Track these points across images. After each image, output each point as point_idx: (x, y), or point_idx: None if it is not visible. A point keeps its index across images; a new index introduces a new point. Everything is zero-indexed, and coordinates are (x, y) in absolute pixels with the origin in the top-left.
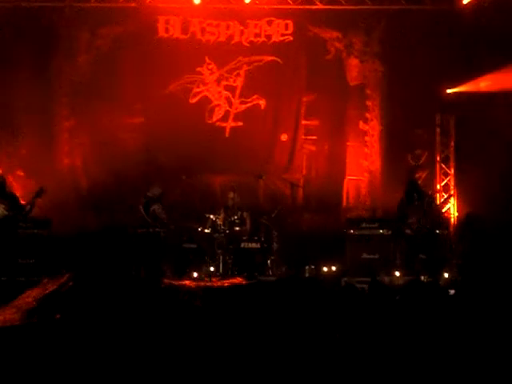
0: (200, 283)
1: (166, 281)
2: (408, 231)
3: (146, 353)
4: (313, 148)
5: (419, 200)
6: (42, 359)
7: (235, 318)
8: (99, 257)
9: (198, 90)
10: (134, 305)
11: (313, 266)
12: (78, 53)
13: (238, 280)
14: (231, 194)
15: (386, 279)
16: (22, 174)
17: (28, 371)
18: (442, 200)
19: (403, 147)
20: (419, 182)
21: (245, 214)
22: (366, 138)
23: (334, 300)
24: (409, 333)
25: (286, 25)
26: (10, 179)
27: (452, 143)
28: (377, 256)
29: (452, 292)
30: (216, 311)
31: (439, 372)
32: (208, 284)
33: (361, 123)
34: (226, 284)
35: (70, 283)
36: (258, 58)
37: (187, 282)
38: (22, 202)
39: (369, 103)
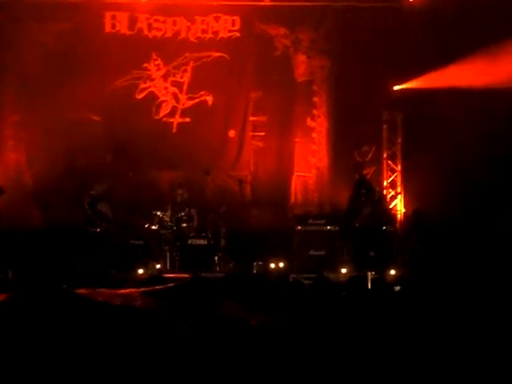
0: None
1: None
2: (356, 227)
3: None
4: (260, 144)
5: (368, 196)
6: None
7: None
8: (42, 254)
9: (144, 85)
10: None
11: (260, 263)
12: (24, 48)
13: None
14: (180, 190)
15: (333, 276)
16: None
17: None
18: (389, 197)
19: (350, 144)
20: (367, 178)
21: (192, 211)
22: (314, 135)
23: (282, 296)
24: (353, 328)
25: (233, 21)
26: None
27: (399, 140)
28: (324, 252)
29: (397, 288)
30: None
31: (381, 368)
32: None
33: (308, 120)
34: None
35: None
36: (205, 54)
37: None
38: None
39: (316, 100)
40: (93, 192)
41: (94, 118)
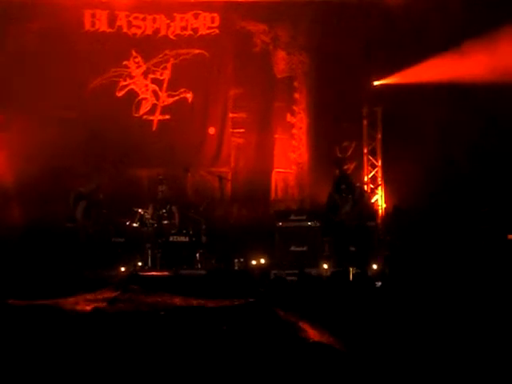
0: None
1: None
2: (337, 223)
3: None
4: (240, 141)
5: (348, 192)
6: None
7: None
8: (24, 253)
9: (124, 83)
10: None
11: (241, 259)
12: (3, 47)
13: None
14: (160, 187)
15: (314, 271)
16: None
17: None
18: (370, 192)
19: (331, 139)
20: (347, 173)
21: (173, 208)
22: (294, 131)
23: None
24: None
25: (213, 18)
26: None
27: (379, 135)
28: (305, 248)
29: (379, 284)
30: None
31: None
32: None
33: (288, 116)
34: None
35: None
36: (184, 51)
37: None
38: None
39: (296, 96)
40: (82, 189)
41: (75, 116)
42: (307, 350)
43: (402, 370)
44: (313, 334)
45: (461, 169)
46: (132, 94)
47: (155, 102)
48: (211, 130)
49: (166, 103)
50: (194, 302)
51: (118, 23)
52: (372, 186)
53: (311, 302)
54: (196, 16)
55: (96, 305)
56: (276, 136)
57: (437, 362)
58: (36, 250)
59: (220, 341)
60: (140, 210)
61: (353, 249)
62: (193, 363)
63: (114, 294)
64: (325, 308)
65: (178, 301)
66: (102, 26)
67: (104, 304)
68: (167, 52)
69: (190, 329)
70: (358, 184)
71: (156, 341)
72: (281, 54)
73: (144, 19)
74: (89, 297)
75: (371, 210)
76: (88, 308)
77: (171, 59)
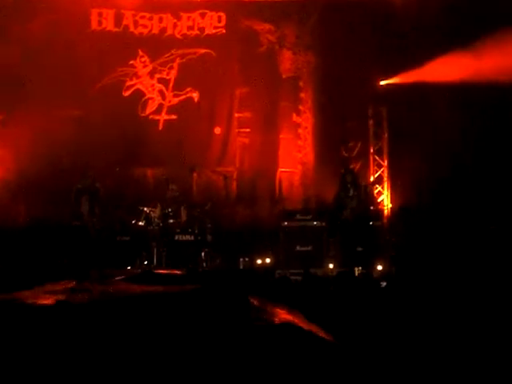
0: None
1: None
2: (342, 223)
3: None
4: (246, 141)
5: (355, 191)
6: None
7: None
8: (27, 250)
9: (131, 83)
10: None
11: (247, 258)
12: (9, 45)
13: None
14: (171, 186)
15: (320, 271)
16: None
17: None
18: (376, 192)
19: (336, 139)
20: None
21: (181, 207)
22: (299, 131)
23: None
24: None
25: (219, 17)
26: None
27: (385, 135)
28: (310, 248)
29: (384, 284)
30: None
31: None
32: None
33: (294, 115)
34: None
35: None
36: (191, 50)
37: None
38: None
39: (302, 95)
40: (79, 186)
41: (81, 115)
42: (273, 331)
43: (406, 368)
44: (280, 316)
45: (467, 168)
46: (138, 94)
47: (161, 101)
48: (217, 130)
49: (172, 103)
50: (154, 289)
51: (125, 22)
52: (378, 186)
53: (315, 302)
54: (203, 15)
55: (57, 297)
56: (281, 136)
57: (442, 362)
58: (42, 247)
59: (183, 325)
60: (146, 209)
61: (360, 249)
62: (159, 352)
63: (70, 285)
64: (329, 308)
65: (136, 288)
66: (109, 25)
67: (64, 296)
68: (173, 51)
69: (153, 316)
70: (363, 184)
71: (124, 329)
72: (287, 54)
73: (150, 18)
74: (46, 288)
75: (377, 209)
76: (49, 301)
77: (177, 59)
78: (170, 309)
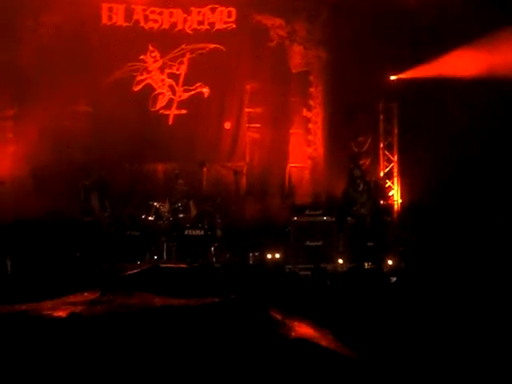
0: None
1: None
2: (353, 218)
3: None
4: (256, 135)
5: (364, 186)
6: None
7: None
8: (40, 244)
9: (141, 77)
10: None
11: (257, 253)
12: (21, 41)
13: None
14: (180, 181)
15: (330, 266)
16: None
17: None
18: (386, 187)
19: (346, 134)
20: (363, 168)
21: (190, 202)
22: (310, 125)
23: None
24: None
25: (229, 12)
26: None
27: (395, 130)
28: (320, 243)
29: (394, 279)
30: None
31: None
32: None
33: (304, 110)
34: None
35: None
36: (201, 45)
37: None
38: None
39: (312, 90)
40: (86, 182)
41: (91, 110)
42: (287, 346)
43: (415, 368)
44: (298, 330)
45: (477, 164)
46: (149, 89)
47: (172, 96)
48: (227, 125)
49: (182, 98)
50: (175, 302)
51: (135, 17)
52: (388, 181)
53: (324, 297)
54: (213, 10)
55: (73, 309)
56: (291, 131)
57: (452, 360)
58: (55, 243)
59: (199, 340)
60: (156, 204)
61: (370, 244)
62: (174, 364)
63: (92, 296)
64: (339, 303)
65: (158, 301)
66: (119, 20)
67: (81, 308)
68: (184, 46)
69: (171, 329)
70: (373, 179)
71: (137, 342)
72: (297, 49)
73: (161, 13)
74: (68, 299)
75: (386, 205)
76: (63, 314)
77: (188, 54)
78: (189, 323)
